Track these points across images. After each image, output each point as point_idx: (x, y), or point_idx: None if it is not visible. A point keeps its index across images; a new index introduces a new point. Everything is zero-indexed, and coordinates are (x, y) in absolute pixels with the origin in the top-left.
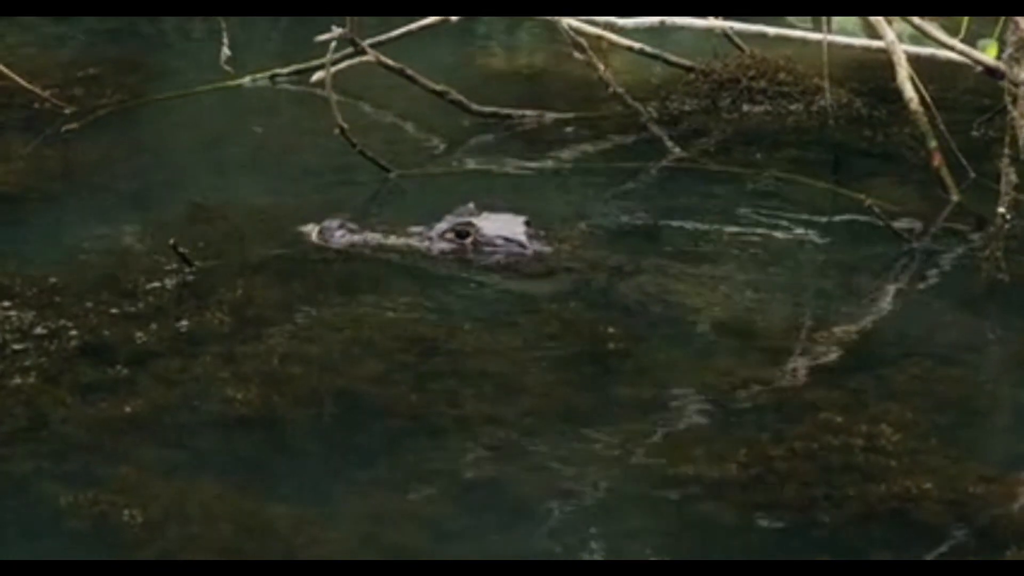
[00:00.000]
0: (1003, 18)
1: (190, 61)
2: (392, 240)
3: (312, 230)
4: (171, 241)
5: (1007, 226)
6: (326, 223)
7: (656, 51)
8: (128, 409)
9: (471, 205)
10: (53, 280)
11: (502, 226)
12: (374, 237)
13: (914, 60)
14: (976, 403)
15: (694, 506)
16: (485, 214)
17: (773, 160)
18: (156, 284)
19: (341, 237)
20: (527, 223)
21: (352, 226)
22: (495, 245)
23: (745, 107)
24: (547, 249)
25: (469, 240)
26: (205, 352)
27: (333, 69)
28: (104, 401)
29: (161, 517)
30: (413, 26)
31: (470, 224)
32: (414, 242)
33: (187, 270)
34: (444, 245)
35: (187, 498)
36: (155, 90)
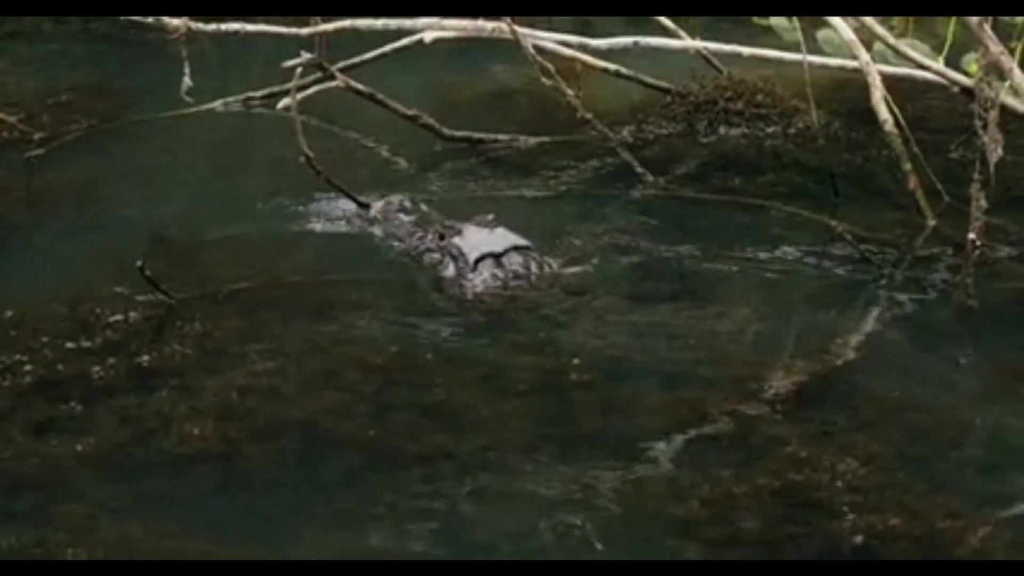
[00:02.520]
0: None
1: (165, 87)
2: (411, 229)
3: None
4: (138, 263)
5: (978, 252)
6: (390, 197)
7: (632, 73)
8: (79, 447)
9: (490, 216)
10: (9, 313)
11: (474, 241)
12: (404, 223)
13: (896, 79)
14: (945, 435)
15: (656, 544)
16: (499, 229)
17: (749, 185)
18: (116, 317)
19: (391, 214)
20: (521, 248)
21: (408, 207)
22: (453, 256)
23: (722, 130)
24: (501, 275)
25: (444, 243)
26: (163, 386)
27: (300, 95)
28: (56, 438)
29: (105, 558)
30: (383, 49)
31: (452, 229)
32: (416, 234)
33: (146, 302)
34: (428, 241)
35: (134, 537)
36: (127, 116)
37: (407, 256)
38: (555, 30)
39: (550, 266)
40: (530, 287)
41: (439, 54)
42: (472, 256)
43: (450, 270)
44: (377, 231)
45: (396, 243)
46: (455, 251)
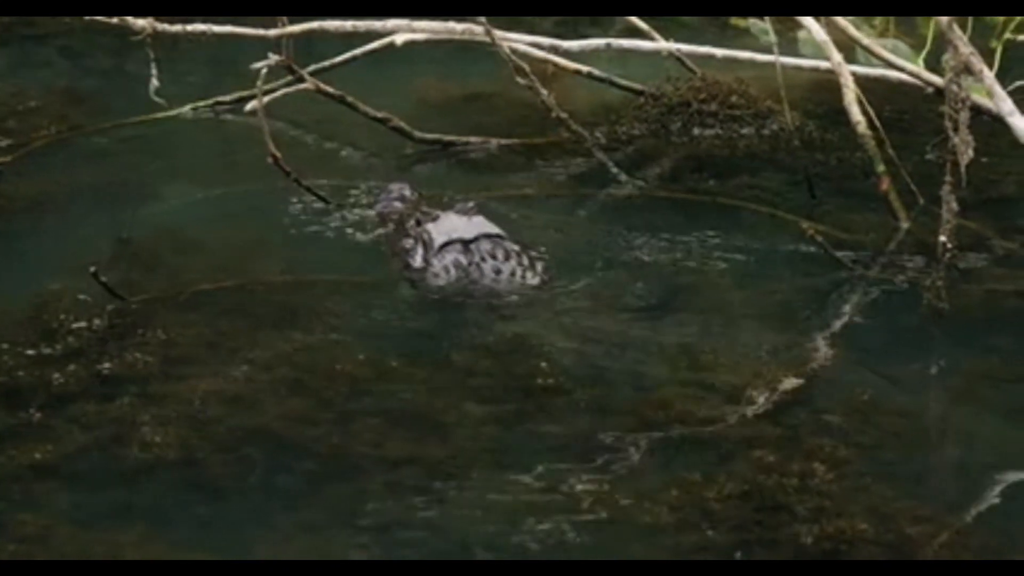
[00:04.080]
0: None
1: (137, 92)
2: (399, 217)
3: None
4: (92, 269)
5: (949, 256)
6: (390, 185)
7: (604, 75)
8: (38, 455)
9: (471, 204)
10: None
11: (445, 227)
12: (396, 210)
13: (874, 79)
14: (914, 438)
15: (624, 551)
16: (476, 218)
17: (723, 186)
18: (79, 324)
19: (389, 202)
20: (492, 236)
21: (408, 195)
22: (423, 241)
23: (696, 131)
24: (466, 261)
25: (418, 228)
26: (125, 394)
27: (268, 97)
28: (15, 447)
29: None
30: (355, 52)
31: (429, 215)
32: (402, 220)
33: (110, 308)
34: (407, 227)
35: (94, 548)
36: (98, 122)
37: (388, 243)
38: (535, 31)
39: (519, 255)
40: (496, 276)
41: (413, 56)
42: (438, 241)
43: (418, 255)
44: (373, 219)
45: (384, 230)
46: (426, 236)
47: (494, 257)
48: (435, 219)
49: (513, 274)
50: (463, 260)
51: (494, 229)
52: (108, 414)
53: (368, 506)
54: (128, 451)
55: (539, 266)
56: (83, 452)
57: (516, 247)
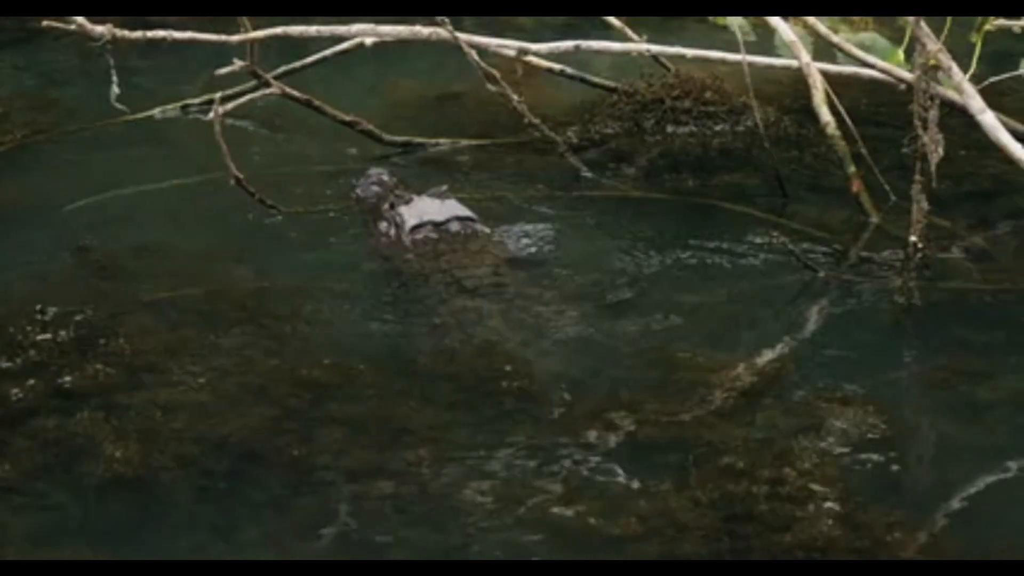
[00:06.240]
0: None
1: (106, 98)
2: (375, 202)
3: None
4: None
5: (919, 255)
6: (370, 171)
7: (577, 72)
8: None
9: (444, 187)
10: None
11: (417, 209)
12: (373, 195)
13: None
14: (886, 439)
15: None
16: (449, 201)
17: (697, 184)
18: (39, 336)
19: (367, 187)
20: (463, 219)
21: (386, 181)
22: (396, 224)
23: (669, 129)
24: (436, 242)
25: (392, 211)
26: (85, 408)
27: (233, 104)
28: None
29: None
30: (324, 53)
31: (403, 198)
32: (378, 205)
33: (72, 318)
34: (382, 210)
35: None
36: (65, 127)
37: (364, 226)
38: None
39: (489, 237)
40: (467, 258)
41: (385, 57)
42: (410, 223)
43: (391, 237)
44: (353, 205)
45: (362, 214)
46: (398, 219)
47: (465, 238)
48: (408, 202)
49: (482, 252)
50: (434, 239)
51: (466, 212)
52: (68, 429)
53: (330, 520)
54: (88, 468)
55: (508, 265)
56: (42, 470)
57: (487, 230)
